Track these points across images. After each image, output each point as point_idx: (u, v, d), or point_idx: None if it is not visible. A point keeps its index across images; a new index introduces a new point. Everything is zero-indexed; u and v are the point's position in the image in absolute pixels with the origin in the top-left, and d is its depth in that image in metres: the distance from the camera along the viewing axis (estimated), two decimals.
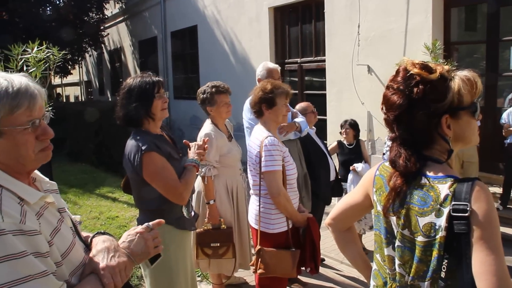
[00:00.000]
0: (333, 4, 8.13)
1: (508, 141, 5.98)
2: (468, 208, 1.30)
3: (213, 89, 3.78)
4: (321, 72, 8.72)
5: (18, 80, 1.31)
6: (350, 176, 5.36)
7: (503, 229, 5.67)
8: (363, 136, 7.44)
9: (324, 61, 8.54)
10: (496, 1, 6.58)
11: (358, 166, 5.32)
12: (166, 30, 13.83)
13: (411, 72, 1.46)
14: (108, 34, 17.81)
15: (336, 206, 1.83)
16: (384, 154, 5.25)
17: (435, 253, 1.36)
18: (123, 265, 1.45)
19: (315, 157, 4.50)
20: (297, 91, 9.43)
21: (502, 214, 5.96)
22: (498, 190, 6.34)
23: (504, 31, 6.63)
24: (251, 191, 3.27)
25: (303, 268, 3.27)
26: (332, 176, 4.70)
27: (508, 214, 5.95)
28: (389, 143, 5.25)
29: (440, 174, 1.42)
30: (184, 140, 2.92)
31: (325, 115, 8.42)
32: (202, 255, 3.74)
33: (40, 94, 1.36)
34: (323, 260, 4.98)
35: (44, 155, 1.40)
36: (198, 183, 3.86)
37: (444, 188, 1.37)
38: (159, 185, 2.57)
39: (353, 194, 1.76)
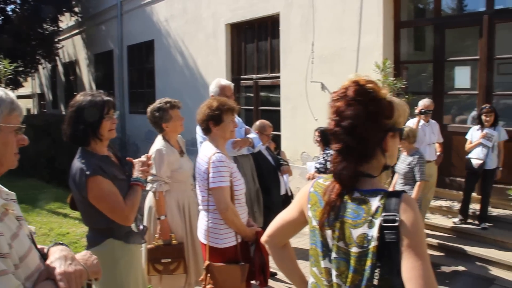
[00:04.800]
0: (288, 22, 8.31)
1: (468, 156, 6.21)
2: (397, 218, 1.39)
3: (168, 105, 3.82)
4: (276, 88, 8.86)
5: (8, 92, 1.56)
6: None
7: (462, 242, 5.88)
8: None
9: (279, 77, 8.69)
10: (441, 24, 6.91)
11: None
12: (122, 44, 13.73)
13: (367, 86, 1.53)
14: (62, 46, 17.44)
15: (272, 223, 1.86)
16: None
17: (368, 263, 1.44)
18: (79, 273, 1.52)
19: (267, 172, 4.57)
20: (252, 107, 9.54)
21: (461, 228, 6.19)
22: (444, 203, 6.59)
23: (449, 52, 6.96)
24: (200, 207, 3.30)
25: (253, 282, 3.30)
26: (283, 191, 4.78)
27: (463, 228, 6.17)
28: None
29: (371, 188, 1.51)
30: (127, 158, 2.91)
31: (280, 131, 8.54)
32: (153, 271, 3.72)
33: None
34: (276, 274, 5.02)
35: (15, 159, 1.58)
36: (149, 199, 3.84)
37: (375, 201, 1.46)
38: (104, 208, 2.58)
39: (288, 210, 1.81)
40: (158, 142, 3.81)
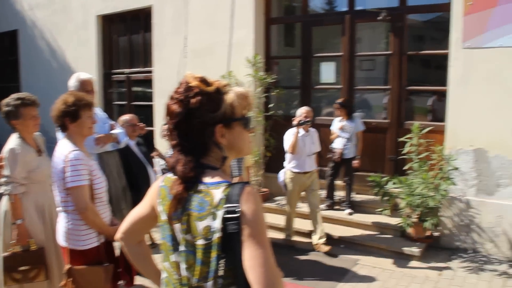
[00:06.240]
0: (161, 16, 8.19)
1: (331, 146, 6.62)
2: (238, 209, 1.42)
3: (18, 101, 3.55)
4: (149, 83, 8.71)
5: None
6: None
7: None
8: None
9: (152, 72, 8.56)
10: (309, 22, 7.25)
11: None
12: None
13: (191, 84, 1.56)
14: None
15: (125, 219, 1.84)
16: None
17: (213, 254, 1.46)
18: None
19: (136, 168, 4.47)
20: (125, 102, 9.28)
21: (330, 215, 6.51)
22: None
23: (316, 48, 7.33)
24: (59, 208, 3.12)
25: (120, 282, 3.22)
26: None
27: (329, 215, 6.48)
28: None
29: (215, 180, 1.53)
30: None
31: (153, 126, 8.41)
32: (10, 282, 3.44)
33: None
34: None
35: None
36: (4, 202, 3.58)
37: (218, 193, 1.48)
38: None
39: (140, 206, 1.80)
40: (12, 141, 3.56)
